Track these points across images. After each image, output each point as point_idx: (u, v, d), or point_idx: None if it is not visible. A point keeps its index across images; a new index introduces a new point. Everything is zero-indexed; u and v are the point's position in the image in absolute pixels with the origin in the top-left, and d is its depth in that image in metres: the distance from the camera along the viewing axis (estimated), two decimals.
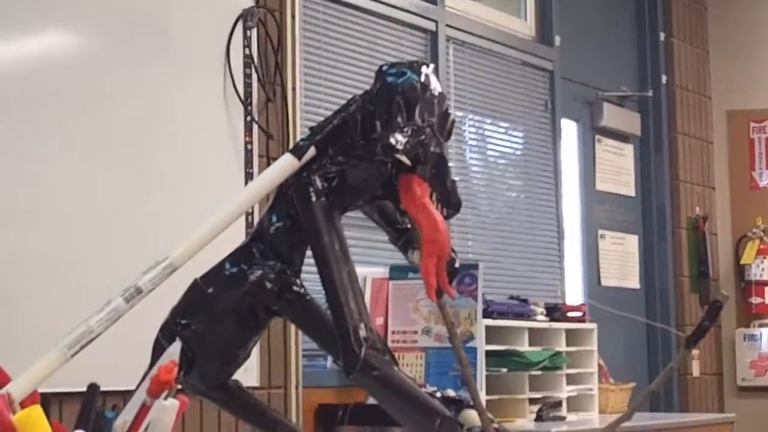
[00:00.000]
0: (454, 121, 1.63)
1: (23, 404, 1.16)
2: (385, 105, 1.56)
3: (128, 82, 3.36)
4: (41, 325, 2.88)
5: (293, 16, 3.94)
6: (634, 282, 6.00)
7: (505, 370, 4.17)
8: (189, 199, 3.38)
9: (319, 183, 1.57)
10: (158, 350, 1.54)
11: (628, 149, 6.10)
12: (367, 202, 1.64)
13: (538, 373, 4.34)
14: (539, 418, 4.29)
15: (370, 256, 4.13)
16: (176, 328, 1.57)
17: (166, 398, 1.14)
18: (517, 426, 4.02)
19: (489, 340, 4.07)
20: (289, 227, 1.60)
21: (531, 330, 4.37)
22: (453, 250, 1.58)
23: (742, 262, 6.34)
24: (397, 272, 4.14)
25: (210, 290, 1.59)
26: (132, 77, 3.37)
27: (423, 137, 1.53)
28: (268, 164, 1.46)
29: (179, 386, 1.20)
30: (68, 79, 3.20)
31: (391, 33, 4.60)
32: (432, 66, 1.63)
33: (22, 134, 3.07)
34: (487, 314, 4.12)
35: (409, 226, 1.63)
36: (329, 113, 1.63)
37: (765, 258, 6.31)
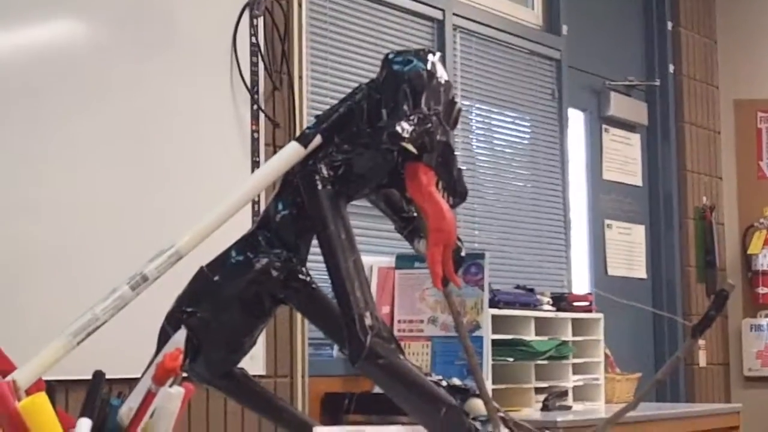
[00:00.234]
0: (460, 110, 1.62)
1: (28, 392, 1.16)
2: (391, 93, 1.56)
3: (134, 71, 3.36)
4: (46, 315, 2.89)
5: (300, 5, 3.93)
6: (640, 272, 6.00)
7: (511, 359, 4.17)
8: (196, 187, 3.38)
9: (325, 171, 1.57)
10: (164, 338, 1.53)
11: (635, 139, 6.09)
12: (373, 191, 1.64)
13: (545, 362, 4.34)
14: (545, 407, 4.29)
15: (376, 245, 4.13)
16: (182, 316, 1.57)
17: (171, 386, 1.13)
18: (523, 415, 4.02)
19: (495, 330, 4.07)
20: (295, 215, 1.60)
21: (537, 319, 4.37)
22: (459, 239, 1.58)
23: (749, 252, 6.34)
24: (404, 261, 4.14)
25: (216, 278, 1.59)
26: (138, 67, 3.37)
27: (429, 125, 1.52)
28: (275, 153, 1.46)
29: (185, 374, 1.20)
30: (74, 69, 3.21)
31: (397, 21, 4.60)
32: (438, 54, 1.62)
33: (27, 126, 3.07)
34: (493, 304, 4.12)
35: (415, 214, 1.63)
36: (336, 101, 1.63)
37: None
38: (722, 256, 6.27)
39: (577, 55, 5.59)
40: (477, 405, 1.55)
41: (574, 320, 4.56)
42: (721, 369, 6.25)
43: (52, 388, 1.23)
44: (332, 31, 4.29)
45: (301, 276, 1.61)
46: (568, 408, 4.36)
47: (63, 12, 3.23)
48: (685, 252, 6.10)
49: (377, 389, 3.44)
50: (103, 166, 3.25)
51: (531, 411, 4.21)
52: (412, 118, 1.52)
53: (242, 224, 1.62)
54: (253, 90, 3.72)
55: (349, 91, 1.63)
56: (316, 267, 1.62)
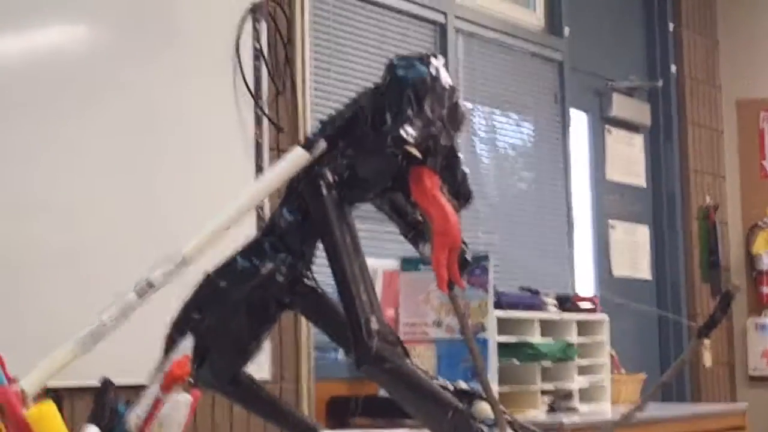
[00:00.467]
0: (464, 113, 1.62)
1: (35, 399, 1.16)
2: (395, 98, 1.56)
3: (138, 76, 3.36)
4: (49, 317, 2.89)
5: (303, 9, 3.93)
6: (645, 272, 5.99)
7: (516, 361, 4.17)
8: (199, 192, 3.38)
9: (329, 176, 1.57)
10: (170, 344, 1.54)
11: (638, 139, 6.09)
12: (378, 195, 1.64)
13: (550, 364, 4.33)
14: (551, 409, 4.29)
15: (381, 248, 4.12)
16: (188, 322, 1.57)
17: (178, 393, 1.14)
18: (529, 417, 4.02)
19: (500, 332, 4.07)
20: (300, 221, 1.60)
21: (542, 321, 4.37)
22: (464, 242, 1.58)
23: (753, 251, 6.33)
24: (409, 264, 4.13)
25: (222, 284, 1.59)
26: (141, 71, 3.37)
27: (433, 129, 1.53)
28: (279, 157, 1.46)
29: (191, 380, 1.20)
30: (78, 73, 3.21)
31: (400, 25, 4.60)
32: (442, 58, 1.62)
33: (30, 128, 3.08)
34: (498, 306, 4.11)
35: (420, 218, 1.63)
36: (339, 106, 1.63)
37: None
38: (726, 256, 6.27)
39: (579, 56, 5.59)
40: (484, 408, 1.56)
41: (579, 322, 4.56)
42: (726, 369, 6.25)
43: (59, 395, 1.23)
44: (335, 35, 4.29)
45: (306, 281, 1.61)
46: (574, 409, 4.36)
47: (67, 16, 3.24)
48: (689, 252, 6.10)
49: (383, 393, 3.44)
50: (106, 169, 3.25)
51: (537, 413, 4.20)
52: (416, 122, 1.52)
53: (246, 230, 1.62)
54: (256, 94, 3.72)
55: (352, 94, 1.63)
56: (321, 271, 1.62)
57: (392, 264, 4.18)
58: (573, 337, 4.49)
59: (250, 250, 1.61)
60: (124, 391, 1.50)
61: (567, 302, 4.60)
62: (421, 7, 4.69)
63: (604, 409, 4.54)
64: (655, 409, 4.50)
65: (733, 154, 6.47)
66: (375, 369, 1.49)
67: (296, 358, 3.81)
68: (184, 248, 1.48)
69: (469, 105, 4.91)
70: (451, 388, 1.58)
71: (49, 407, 1.11)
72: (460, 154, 1.60)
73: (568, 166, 5.46)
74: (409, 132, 1.50)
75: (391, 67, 1.59)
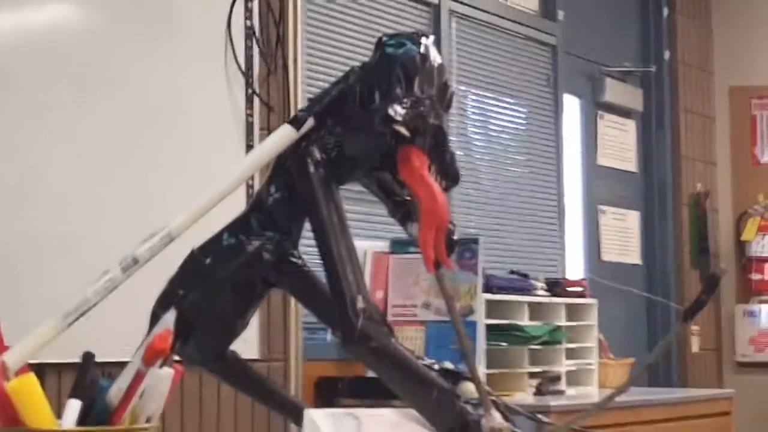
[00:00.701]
0: (453, 93, 1.62)
1: (17, 374, 1.16)
2: (384, 76, 1.55)
3: (129, 56, 3.35)
4: (46, 301, 2.89)
5: None
6: (634, 257, 6.00)
7: (505, 344, 4.18)
8: (190, 171, 3.38)
9: (317, 154, 1.56)
10: (155, 321, 1.53)
11: (631, 125, 6.09)
12: (366, 174, 1.64)
13: (538, 347, 4.34)
14: (539, 392, 4.30)
15: (371, 229, 4.13)
16: (173, 298, 1.56)
17: (161, 367, 1.13)
18: (516, 400, 4.03)
19: (489, 315, 4.08)
20: (287, 198, 1.59)
21: (531, 304, 4.38)
22: (452, 223, 1.57)
23: (742, 238, 6.35)
24: (398, 246, 4.14)
25: (207, 261, 1.58)
26: (132, 50, 3.36)
27: (422, 109, 1.52)
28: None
29: (177, 357, 1.20)
30: (69, 55, 3.20)
31: (393, 6, 4.59)
32: (432, 37, 1.62)
33: (24, 113, 3.07)
34: (487, 289, 4.12)
35: (408, 198, 1.62)
36: (329, 85, 1.62)
37: (766, 235, 6.32)
38: (716, 243, 6.28)
39: (572, 40, 5.58)
40: (469, 388, 1.55)
41: (568, 305, 4.57)
42: (713, 355, 6.27)
43: (42, 371, 1.23)
44: (327, 14, 4.28)
45: (293, 259, 1.61)
46: (561, 393, 4.37)
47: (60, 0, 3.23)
48: (680, 238, 6.11)
49: (370, 373, 3.44)
50: (98, 150, 3.24)
51: (524, 395, 4.22)
52: (404, 101, 1.52)
53: (235, 206, 1.62)
54: (247, 74, 3.72)
55: (341, 74, 1.62)
56: (308, 251, 1.62)
57: (382, 245, 4.18)
58: (561, 321, 4.50)
59: (237, 227, 1.60)
60: (110, 368, 1.50)
61: (556, 286, 4.61)
62: None
63: (592, 393, 4.56)
64: (642, 394, 4.50)
65: (725, 141, 6.48)
66: (360, 348, 1.49)
67: (284, 337, 3.81)
68: (170, 223, 1.48)
69: (461, 88, 4.90)
70: (437, 367, 1.58)
71: (30, 380, 1.11)
72: (448, 134, 1.60)
73: (559, 150, 5.46)
74: (397, 111, 1.50)
75: (380, 45, 1.58)
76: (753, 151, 6.45)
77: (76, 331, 1.44)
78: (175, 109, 3.48)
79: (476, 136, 5.10)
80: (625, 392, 1.47)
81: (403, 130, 1.50)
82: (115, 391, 1.14)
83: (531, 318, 4.35)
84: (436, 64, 1.58)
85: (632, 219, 6.04)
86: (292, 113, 3.78)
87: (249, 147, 3.68)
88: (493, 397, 1.55)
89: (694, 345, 6.08)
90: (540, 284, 4.54)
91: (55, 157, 3.14)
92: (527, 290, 4.43)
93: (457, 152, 1.59)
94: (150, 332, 1.39)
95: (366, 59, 1.62)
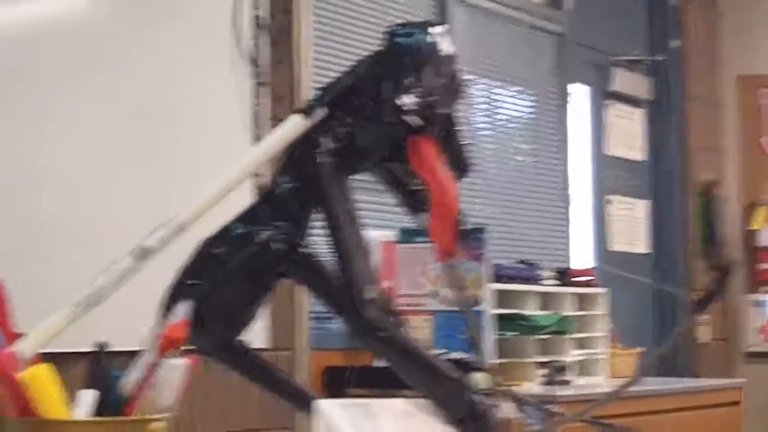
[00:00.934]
0: (463, 83, 1.62)
1: (29, 363, 1.16)
2: (394, 66, 1.55)
3: (136, 43, 3.35)
4: (50, 290, 2.88)
5: None
6: (642, 247, 6.00)
7: (513, 334, 4.18)
8: (197, 161, 3.38)
9: (327, 144, 1.56)
10: (165, 311, 1.54)
11: (639, 114, 6.08)
12: (376, 164, 1.64)
13: (546, 337, 4.34)
14: (547, 381, 4.30)
15: (378, 219, 4.12)
16: (183, 288, 1.57)
17: (174, 357, 1.14)
18: (525, 389, 4.03)
19: (497, 304, 4.08)
20: (297, 188, 1.59)
21: (539, 294, 4.38)
22: (462, 212, 1.57)
23: (751, 228, 6.33)
24: (406, 236, 4.13)
25: (217, 251, 1.59)
26: (140, 39, 3.36)
27: (432, 98, 1.52)
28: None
29: (187, 347, 1.20)
30: (74, 40, 3.20)
31: None
32: (442, 27, 1.61)
33: (29, 98, 3.07)
34: (495, 278, 4.12)
35: (418, 188, 1.62)
36: (339, 75, 1.62)
37: None
38: (725, 232, 6.25)
39: (580, 29, 5.57)
40: (479, 378, 1.56)
41: (576, 295, 4.57)
42: (723, 345, 6.26)
43: (54, 361, 1.23)
44: (335, 3, 4.27)
45: (302, 249, 1.61)
46: (570, 382, 4.36)
47: None
48: (687, 227, 6.10)
49: (378, 363, 3.44)
50: (104, 139, 3.24)
51: (532, 385, 4.21)
52: (415, 91, 1.52)
53: (243, 197, 1.62)
54: (255, 63, 3.71)
55: (352, 64, 1.62)
56: (318, 240, 1.62)
57: (390, 235, 4.18)
58: (570, 311, 4.50)
59: (246, 217, 1.60)
60: (120, 357, 1.50)
61: (564, 275, 4.60)
62: None
63: (600, 383, 4.55)
64: (651, 384, 4.50)
65: (734, 130, 6.46)
66: (371, 337, 1.49)
67: (292, 327, 3.82)
68: (181, 214, 1.48)
69: (468, 77, 4.89)
70: (447, 358, 1.58)
71: (44, 369, 1.11)
72: (459, 124, 1.59)
73: (567, 140, 5.45)
74: (407, 101, 1.50)
75: (390, 35, 1.58)
76: (761, 140, 6.44)
77: (86, 320, 1.44)
78: (183, 98, 3.48)
79: (483, 126, 5.09)
80: (637, 383, 1.48)
81: (413, 120, 1.50)
82: (129, 381, 1.14)
83: (539, 307, 4.35)
84: (446, 54, 1.58)
85: (640, 208, 6.03)
86: (301, 103, 3.78)
87: (257, 137, 3.68)
88: (504, 387, 1.55)
89: (704, 335, 6.07)
90: (548, 274, 4.53)
91: (62, 147, 3.14)
92: (535, 280, 4.43)
93: (464, 139, 1.59)
94: (161, 322, 1.39)
95: (373, 48, 1.62)
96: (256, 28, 3.73)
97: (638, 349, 5.07)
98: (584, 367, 4.58)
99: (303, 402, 1.68)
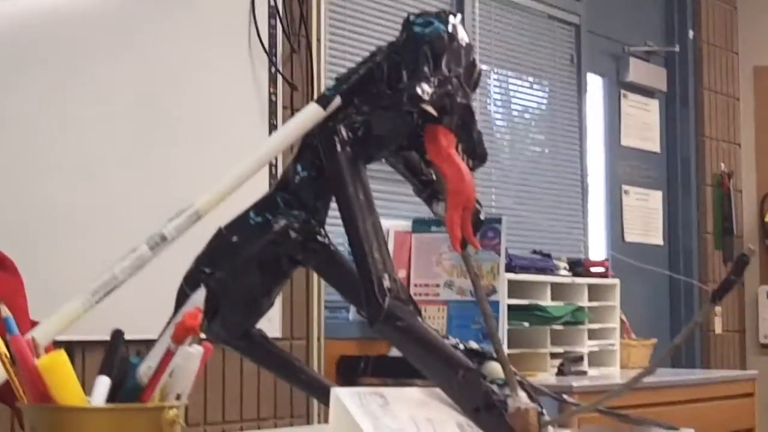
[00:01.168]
0: (480, 72, 1.61)
1: (46, 350, 1.16)
2: (411, 55, 1.55)
3: (153, 33, 3.35)
4: (62, 276, 2.90)
5: None
6: (657, 238, 5.98)
7: (527, 324, 4.18)
8: (213, 149, 3.38)
9: (344, 133, 1.56)
10: (182, 299, 1.54)
11: (654, 104, 6.06)
12: (393, 153, 1.63)
13: (560, 327, 4.34)
14: (561, 372, 4.30)
15: (392, 208, 4.12)
16: (200, 276, 1.57)
17: (190, 345, 1.14)
18: (539, 380, 4.03)
19: (511, 295, 4.08)
20: (314, 177, 1.59)
21: (553, 285, 4.37)
22: (478, 202, 1.57)
23: (766, 219, 6.31)
24: (420, 225, 4.13)
25: (234, 239, 1.59)
26: (157, 28, 3.36)
27: (449, 88, 1.52)
28: (292, 116, 1.46)
29: (203, 335, 1.20)
30: (93, 29, 3.20)
31: None
32: (459, 16, 1.61)
33: (47, 85, 3.07)
34: (509, 268, 4.12)
35: (434, 177, 1.62)
36: (353, 65, 1.62)
37: None
38: (740, 223, 6.25)
39: (596, 20, 5.56)
40: (494, 368, 1.55)
41: (590, 286, 4.56)
42: (736, 336, 6.25)
43: (70, 348, 1.23)
44: None
45: (319, 238, 1.61)
46: (584, 373, 4.36)
47: None
48: (703, 219, 6.09)
49: (393, 352, 3.45)
50: (121, 125, 3.25)
51: (546, 376, 4.22)
52: (432, 80, 1.51)
53: (258, 186, 1.62)
54: (271, 52, 3.71)
55: (366, 54, 1.62)
56: (334, 230, 1.62)
57: (404, 225, 4.18)
58: (584, 301, 4.49)
59: (263, 206, 1.60)
60: (136, 346, 1.50)
61: (578, 266, 4.60)
62: None
63: (614, 374, 4.55)
64: (665, 375, 4.50)
65: (749, 122, 6.44)
66: (387, 327, 1.49)
67: (307, 316, 3.82)
68: (197, 202, 1.48)
69: (484, 67, 4.88)
70: (462, 347, 1.58)
71: (61, 356, 1.11)
72: (475, 114, 1.59)
73: (582, 130, 5.44)
74: (425, 90, 1.49)
75: (407, 24, 1.57)
76: None
77: (100, 308, 1.44)
78: (199, 87, 3.48)
79: (498, 116, 5.08)
80: (652, 373, 1.48)
81: (430, 109, 1.50)
82: (145, 369, 1.14)
83: (553, 298, 4.35)
84: (463, 43, 1.57)
85: (655, 199, 6.02)
86: (316, 92, 3.79)
87: (272, 126, 3.68)
88: (519, 378, 1.55)
89: (718, 326, 6.06)
90: (562, 264, 4.53)
91: (77, 135, 3.15)
92: (549, 270, 4.43)
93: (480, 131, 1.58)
94: (177, 310, 1.39)
95: (389, 37, 1.62)
96: (272, 18, 3.73)
97: (652, 341, 5.07)
98: (598, 358, 4.58)
99: (319, 391, 1.68)
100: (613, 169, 5.75)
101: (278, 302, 1.68)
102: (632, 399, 3.80)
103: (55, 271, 2.96)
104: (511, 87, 5.17)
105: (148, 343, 1.20)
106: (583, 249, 5.37)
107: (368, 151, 1.58)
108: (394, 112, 1.54)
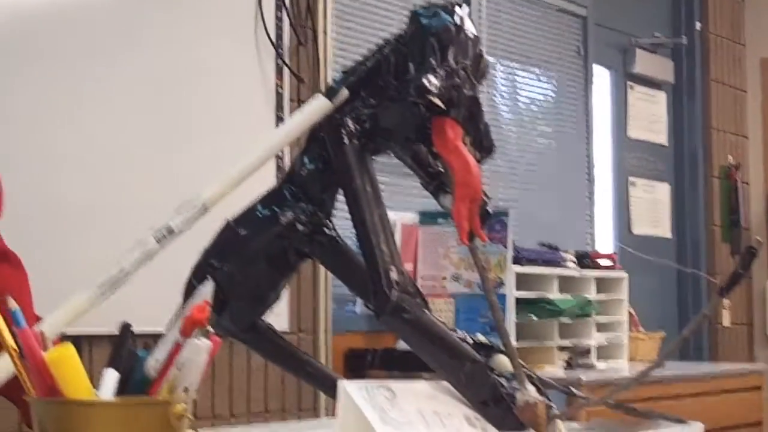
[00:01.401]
0: (488, 64, 1.61)
1: (53, 344, 1.16)
2: (418, 47, 1.54)
3: (160, 26, 3.35)
4: (72, 270, 2.90)
5: None
6: (665, 230, 5.98)
7: (534, 317, 4.17)
8: (219, 142, 3.38)
9: (351, 125, 1.56)
10: (190, 291, 1.54)
11: (661, 96, 6.05)
12: (400, 145, 1.63)
13: (568, 320, 4.33)
14: (568, 365, 4.29)
15: (400, 201, 4.12)
16: (208, 269, 1.57)
17: (198, 338, 1.13)
18: (547, 373, 4.02)
19: (519, 287, 4.07)
20: (321, 169, 1.59)
21: (561, 277, 4.37)
22: (485, 194, 1.57)
23: None
24: (427, 218, 4.13)
25: (242, 232, 1.59)
26: (163, 20, 3.36)
27: (456, 80, 1.51)
28: (299, 108, 1.46)
29: (210, 328, 1.20)
30: (100, 22, 3.20)
31: None
32: (466, 8, 1.61)
33: (55, 80, 3.07)
34: (517, 261, 4.11)
35: (441, 169, 1.62)
36: (360, 57, 1.62)
37: None
38: (747, 216, 6.24)
39: (603, 11, 5.55)
40: (502, 361, 1.55)
41: (598, 278, 4.55)
42: (744, 329, 6.24)
43: (77, 342, 1.23)
44: None
45: (326, 230, 1.60)
46: (592, 366, 4.36)
47: None
48: (710, 211, 6.08)
49: (400, 345, 3.45)
50: (128, 119, 3.25)
51: (554, 369, 4.21)
52: (439, 72, 1.51)
53: (265, 179, 1.61)
54: (277, 45, 3.71)
55: (373, 46, 1.62)
56: (342, 223, 1.61)
57: (411, 217, 4.18)
58: (591, 294, 4.48)
59: (271, 199, 1.60)
60: (144, 339, 1.50)
61: (586, 259, 4.59)
62: None
63: (622, 367, 4.55)
64: (673, 368, 4.49)
65: (756, 114, 6.43)
66: (394, 319, 1.49)
67: (314, 309, 3.82)
68: (204, 194, 1.47)
69: (491, 59, 4.87)
70: (470, 340, 1.57)
71: (68, 349, 1.11)
72: (482, 106, 1.59)
73: (589, 122, 5.44)
74: (432, 82, 1.49)
75: (414, 16, 1.57)
76: None
77: (109, 301, 1.44)
78: (205, 80, 3.48)
79: (505, 108, 5.08)
80: (661, 366, 1.47)
81: (437, 102, 1.49)
82: (153, 362, 1.14)
83: (561, 291, 4.34)
84: (470, 35, 1.57)
85: (662, 191, 6.01)
86: (322, 85, 3.78)
87: (279, 118, 3.68)
88: (527, 371, 1.55)
89: (726, 319, 6.05)
90: (570, 257, 4.52)
91: (84, 129, 3.14)
92: (557, 263, 4.42)
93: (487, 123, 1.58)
94: (185, 303, 1.39)
95: (395, 30, 1.62)
96: (278, 10, 3.72)
97: (660, 334, 5.06)
98: (606, 351, 4.57)
99: (326, 384, 1.68)
100: (620, 161, 5.74)
101: (285, 295, 1.68)
102: (640, 392, 3.80)
103: (61, 267, 2.95)
104: (518, 79, 5.16)
105: (156, 337, 1.19)
106: (590, 241, 5.37)
107: (375, 144, 1.58)
108: (402, 104, 1.54)
